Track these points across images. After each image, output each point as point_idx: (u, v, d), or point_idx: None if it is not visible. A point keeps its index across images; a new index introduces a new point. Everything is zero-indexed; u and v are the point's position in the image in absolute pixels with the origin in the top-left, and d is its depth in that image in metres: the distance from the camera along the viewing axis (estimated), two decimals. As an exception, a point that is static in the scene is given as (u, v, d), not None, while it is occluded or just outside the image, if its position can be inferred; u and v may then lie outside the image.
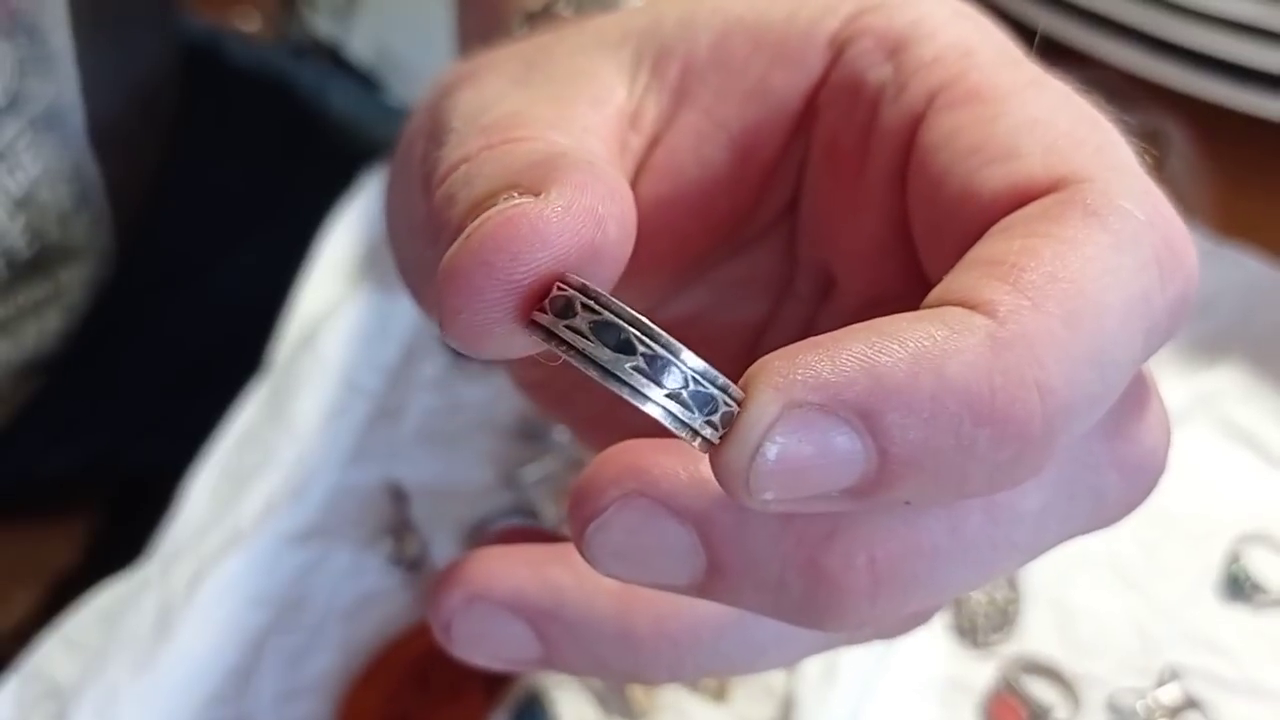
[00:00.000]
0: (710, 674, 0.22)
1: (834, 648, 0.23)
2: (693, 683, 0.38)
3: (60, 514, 0.68)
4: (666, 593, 0.20)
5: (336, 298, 0.46)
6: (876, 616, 0.19)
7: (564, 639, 0.22)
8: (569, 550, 0.22)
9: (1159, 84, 0.48)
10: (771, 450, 0.17)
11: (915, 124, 0.21)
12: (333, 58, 0.98)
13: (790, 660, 0.23)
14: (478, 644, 0.22)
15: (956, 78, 0.21)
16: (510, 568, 0.22)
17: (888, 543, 0.18)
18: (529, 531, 0.24)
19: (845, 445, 0.17)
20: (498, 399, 0.45)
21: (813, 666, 0.38)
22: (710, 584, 0.19)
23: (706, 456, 0.18)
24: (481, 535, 0.42)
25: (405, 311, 0.46)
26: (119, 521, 0.63)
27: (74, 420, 0.65)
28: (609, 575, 0.19)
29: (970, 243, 0.19)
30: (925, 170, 0.21)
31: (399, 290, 0.46)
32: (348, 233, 0.47)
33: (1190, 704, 0.39)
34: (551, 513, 0.42)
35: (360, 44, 0.99)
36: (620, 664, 0.22)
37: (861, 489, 0.17)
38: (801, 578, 0.18)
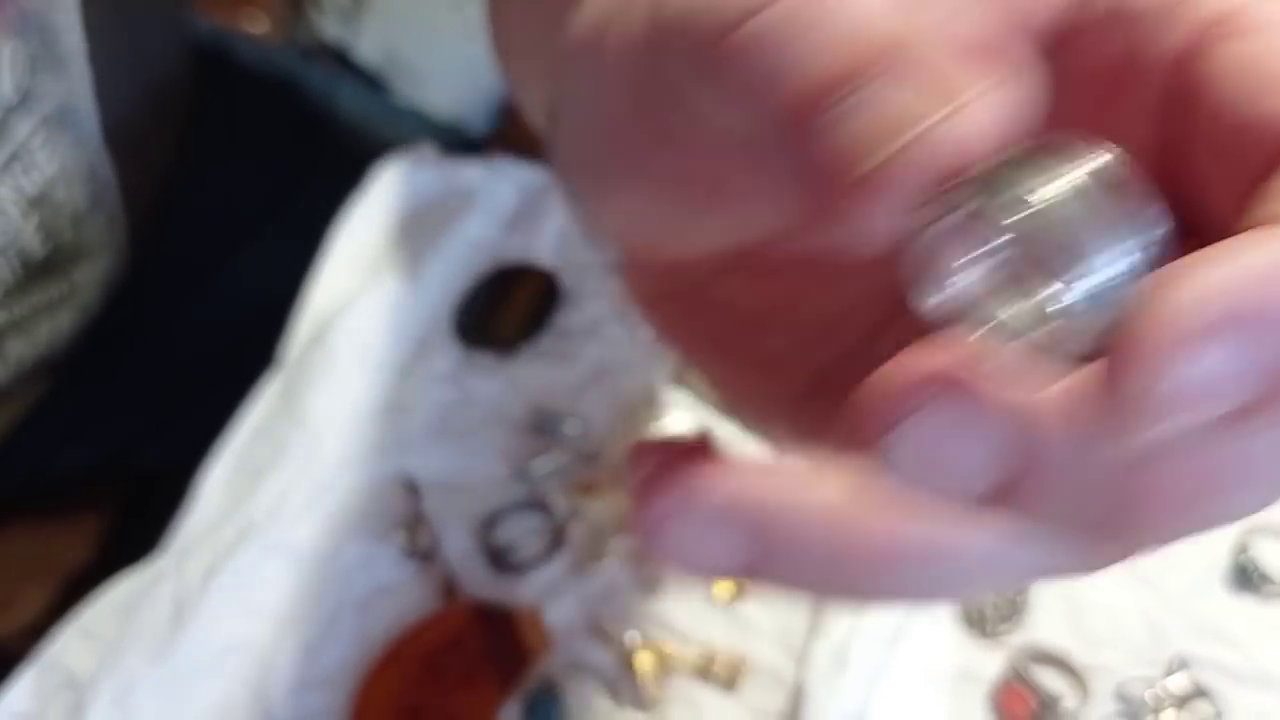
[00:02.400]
0: (926, 594, 0.22)
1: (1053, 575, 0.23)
2: (706, 672, 0.39)
3: (73, 511, 0.68)
4: (892, 504, 0.19)
5: (348, 293, 0.46)
6: (1177, 533, 0.18)
7: (781, 546, 0.21)
8: (779, 464, 0.21)
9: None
10: (1202, 362, 0.15)
11: (1187, 55, 0.21)
12: (340, 61, 0.98)
13: (1002, 582, 0.22)
14: (688, 550, 0.21)
15: (1235, 9, 0.21)
16: (725, 473, 0.21)
17: (1219, 449, 0.17)
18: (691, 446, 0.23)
19: (1245, 359, 0.15)
20: (508, 393, 0.45)
21: (822, 655, 0.38)
22: (1014, 491, 0.18)
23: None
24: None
25: (417, 306, 0.47)
26: (132, 518, 0.64)
27: (87, 418, 0.65)
28: (907, 482, 0.18)
29: (1264, 169, 0.19)
30: (1208, 99, 0.20)
31: (411, 284, 0.47)
32: (360, 228, 0.47)
33: (1199, 693, 0.39)
34: (562, 505, 0.42)
35: (367, 47, 0.99)
36: (836, 577, 0.21)
37: (1257, 407, 0.16)
38: (1121, 487, 0.17)
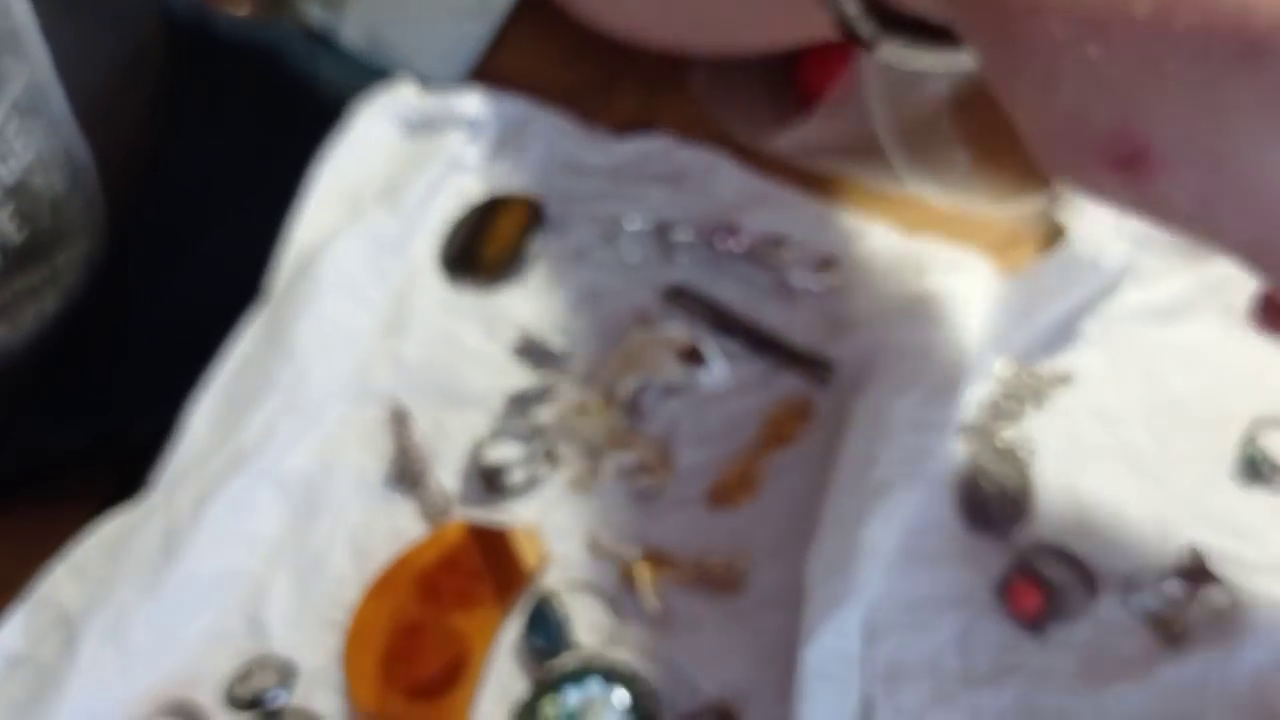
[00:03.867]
0: None
1: None
2: (706, 580, 0.38)
3: (73, 489, 0.68)
4: None
5: (333, 225, 0.46)
6: None
7: None
8: None
9: None
10: None
11: None
12: (324, 45, 0.97)
13: None
14: None
15: None
16: None
17: None
18: None
19: None
20: (497, 319, 0.45)
21: (825, 559, 0.37)
22: None
23: None
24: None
25: (401, 236, 0.46)
26: (130, 493, 0.63)
27: (80, 397, 0.64)
28: None
29: None
30: None
31: (395, 215, 0.46)
32: (342, 161, 0.47)
33: (1210, 578, 0.38)
34: (555, 426, 0.42)
35: (351, 31, 0.98)
36: None
37: None
38: None
